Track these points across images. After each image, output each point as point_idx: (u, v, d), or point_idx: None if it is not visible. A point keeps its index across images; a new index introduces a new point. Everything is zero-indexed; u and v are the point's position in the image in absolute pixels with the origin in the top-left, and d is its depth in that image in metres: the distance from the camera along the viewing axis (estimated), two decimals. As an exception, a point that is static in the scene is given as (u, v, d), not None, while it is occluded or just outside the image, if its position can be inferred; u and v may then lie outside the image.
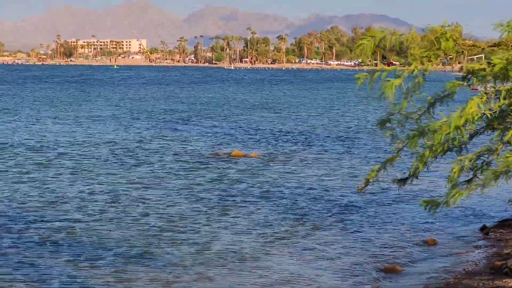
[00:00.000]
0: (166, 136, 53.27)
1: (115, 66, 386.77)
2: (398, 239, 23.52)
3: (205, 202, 28.70)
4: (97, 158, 40.95)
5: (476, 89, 13.75)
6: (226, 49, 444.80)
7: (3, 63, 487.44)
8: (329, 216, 26.58)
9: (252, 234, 23.70)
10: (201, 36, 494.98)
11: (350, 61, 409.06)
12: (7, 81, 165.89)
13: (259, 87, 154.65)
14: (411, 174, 14.39)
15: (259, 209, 27.64)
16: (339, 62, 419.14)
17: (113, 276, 19.00)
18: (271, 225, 25.08)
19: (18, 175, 34.72)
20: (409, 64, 13.49)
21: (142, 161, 40.08)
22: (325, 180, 34.46)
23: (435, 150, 13.32)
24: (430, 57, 13.48)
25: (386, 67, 13.58)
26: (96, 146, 46.75)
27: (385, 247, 22.48)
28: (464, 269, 19.60)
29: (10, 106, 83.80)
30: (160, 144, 48.42)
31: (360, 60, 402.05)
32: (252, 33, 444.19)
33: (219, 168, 37.64)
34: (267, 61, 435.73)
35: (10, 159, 40.08)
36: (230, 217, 26.19)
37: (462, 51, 13.73)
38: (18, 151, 43.33)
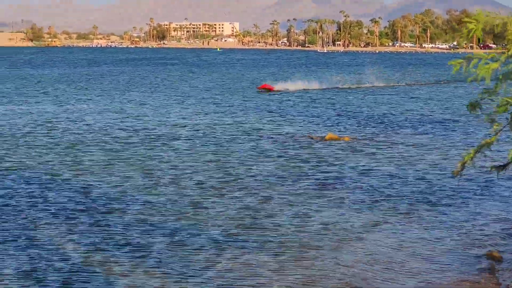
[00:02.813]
0: (262, 119, 53.61)
1: (218, 49, 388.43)
2: (494, 227, 23.18)
3: (300, 185, 28.84)
4: (192, 140, 41.60)
5: None
6: (318, 32, 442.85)
7: (97, 45, 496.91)
8: (423, 200, 26.40)
9: (345, 217, 23.74)
10: (294, 19, 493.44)
11: (445, 44, 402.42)
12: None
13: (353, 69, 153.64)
14: (510, 160, 14.11)
15: (352, 192, 27.64)
16: (433, 45, 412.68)
17: (214, 257, 19.31)
18: (365, 208, 25.09)
19: (118, 155, 35.62)
20: (506, 48, 13.23)
21: (236, 142, 40.51)
22: (418, 164, 34.18)
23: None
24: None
25: (481, 52, 13.36)
26: (195, 127, 47.53)
27: (481, 234, 22.19)
28: None
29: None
30: (254, 126, 48.78)
31: (455, 43, 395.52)
32: (345, 16, 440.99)
33: (313, 151, 37.72)
34: (360, 44, 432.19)
35: (119, 141, 41.13)
36: (325, 199, 26.27)
37: None
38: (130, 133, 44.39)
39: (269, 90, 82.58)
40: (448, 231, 22.30)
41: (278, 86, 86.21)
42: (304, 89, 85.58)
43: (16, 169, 31.73)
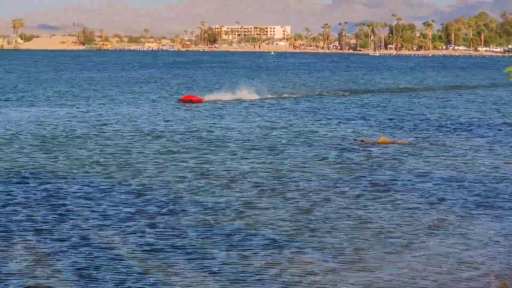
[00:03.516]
0: (314, 122, 53.47)
1: (272, 53, 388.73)
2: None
3: (355, 188, 28.63)
4: (246, 142, 41.59)
5: None
6: (370, 35, 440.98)
7: (149, 49, 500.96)
8: (480, 205, 25.98)
9: (401, 220, 23.46)
10: (345, 22, 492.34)
11: (500, 47, 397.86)
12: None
13: (408, 72, 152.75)
14: None
15: (408, 196, 27.34)
16: (487, 49, 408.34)
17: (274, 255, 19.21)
18: (421, 211, 24.77)
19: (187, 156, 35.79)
20: None
21: (290, 145, 40.40)
22: (475, 168, 33.71)
23: None
24: None
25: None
26: (250, 130, 47.57)
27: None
28: None
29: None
30: (307, 129, 48.66)
31: (510, 46, 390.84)
32: (398, 19, 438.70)
33: (366, 155, 37.45)
34: (412, 48, 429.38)
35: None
36: (380, 203, 26.03)
37: None
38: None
39: (195, 101, 70.46)
40: (504, 237, 21.89)
41: (209, 96, 74.35)
42: (236, 99, 73.74)
43: (70, 171, 31.97)
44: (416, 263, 19.03)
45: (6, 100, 72.27)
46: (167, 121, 53.25)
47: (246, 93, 76.58)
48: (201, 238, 21.05)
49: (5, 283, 17.01)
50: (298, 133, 46.59)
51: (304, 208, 25.06)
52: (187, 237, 21.16)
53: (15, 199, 26.02)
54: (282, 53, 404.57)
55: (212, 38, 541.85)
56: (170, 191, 27.67)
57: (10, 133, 45.13)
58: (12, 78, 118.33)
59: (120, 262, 18.72)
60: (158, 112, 60.48)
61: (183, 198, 26.46)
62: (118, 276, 17.69)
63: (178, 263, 18.70)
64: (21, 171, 31.73)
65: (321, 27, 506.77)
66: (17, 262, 18.55)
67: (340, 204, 25.70)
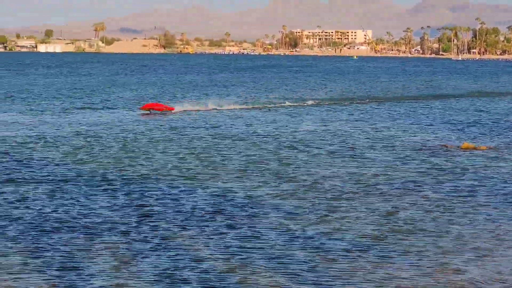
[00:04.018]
0: (397, 126, 53.03)
1: (355, 57, 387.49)
2: None
3: (438, 192, 28.27)
4: (329, 146, 41.45)
5: None
6: (453, 40, 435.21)
7: (230, 52, 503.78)
8: None
9: (486, 226, 23.07)
10: (428, 26, 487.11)
11: None
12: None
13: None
14: None
15: (491, 202, 26.89)
16: None
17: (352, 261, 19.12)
18: (504, 219, 24.31)
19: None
20: None
21: (372, 149, 40.10)
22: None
23: None
24: None
25: None
26: (333, 133, 47.44)
27: None
28: None
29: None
30: (390, 133, 48.29)
31: None
32: (481, 23, 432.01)
33: (450, 160, 36.95)
34: (496, 52, 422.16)
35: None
36: (463, 208, 25.63)
37: None
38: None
39: (160, 110, 63.31)
40: None
41: (178, 107, 66.40)
42: (201, 110, 66.18)
43: (153, 174, 32.32)
44: (503, 268, 18.69)
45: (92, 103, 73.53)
46: (248, 125, 53.34)
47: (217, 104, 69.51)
48: (282, 241, 21.01)
49: (89, 282, 17.26)
50: (380, 137, 46.19)
51: (387, 212, 24.84)
52: (268, 239, 21.15)
53: (100, 201, 26.39)
54: (364, 57, 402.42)
55: (293, 42, 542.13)
56: (251, 194, 27.71)
57: (95, 135, 45.91)
58: (119, 80, 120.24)
59: (202, 263, 18.82)
60: (237, 116, 60.72)
61: (264, 201, 26.48)
62: (201, 275, 17.79)
63: (260, 265, 18.69)
64: (105, 173, 32.20)
65: (403, 31, 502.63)
66: (102, 262, 18.79)
67: (424, 208, 25.43)
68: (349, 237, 21.49)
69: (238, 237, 21.40)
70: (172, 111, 63.52)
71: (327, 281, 17.67)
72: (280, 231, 22.15)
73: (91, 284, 17.20)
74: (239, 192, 28.10)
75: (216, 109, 66.77)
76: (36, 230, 22.01)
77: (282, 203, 26.16)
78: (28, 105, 69.60)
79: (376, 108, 70.23)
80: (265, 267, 18.59)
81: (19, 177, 30.74)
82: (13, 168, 32.90)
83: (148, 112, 62.36)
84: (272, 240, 21.09)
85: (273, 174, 32.06)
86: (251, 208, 25.36)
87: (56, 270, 18.19)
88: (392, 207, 25.69)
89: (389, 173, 32.84)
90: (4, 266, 18.41)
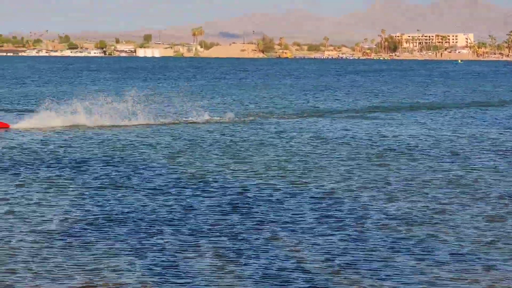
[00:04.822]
0: (498, 129, 52.08)
1: (459, 61, 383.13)
2: None
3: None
4: (430, 151, 40.91)
5: None
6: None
7: (328, 57, 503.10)
8: None
9: None
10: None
11: None
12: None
13: None
14: None
15: None
16: None
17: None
18: None
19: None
20: None
21: (474, 156, 39.40)
22: None
23: None
24: None
25: None
26: (435, 139, 46.88)
27: None
28: None
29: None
30: (491, 136, 47.43)
31: None
32: None
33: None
34: None
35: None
36: None
37: None
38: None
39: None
40: None
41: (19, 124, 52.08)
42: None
43: (255, 176, 32.49)
44: None
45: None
46: (346, 129, 53.07)
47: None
48: (385, 244, 20.79)
49: (191, 285, 17.37)
50: (482, 143, 45.25)
51: (495, 217, 24.31)
52: (372, 243, 20.96)
53: (202, 203, 26.59)
54: (466, 61, 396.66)
55: (393, 46, 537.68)
56: (354, 197, 27.55)
57: (192, 140, 46.48)
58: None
59: (307, 265, 18.78)
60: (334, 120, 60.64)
61: (367, 204, 26.27)
62: (306, 276, 17.75)
63: (362, 267, 18.55)
64: (205, 176, 32.47)
65: (506, 34, 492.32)
66: (203, 265, 18.90)
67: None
68: (453, 243, 21.07)
69: (343, 239, 21.27)
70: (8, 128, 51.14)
71: (433, 284, 17.36)
72: (384, 235, 21.91)
73: (193, 285, 17.30)
74: (342, 195, 27.95)
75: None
76: (142, 231, 22.31)
77: (385, 206, 25.91)
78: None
79: (482, 114, 69.01)
80: (369, 269, 18.41)
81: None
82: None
83: None
84: (376, 244, 20.87)
85: (374, 178, 31.74)
86: (355, 211, 25.20)
87: (162, 269, 18.40)
88: (501, 212, 25.12)
89: (495, 177, 32.19)
90: (111, 266, 18.73)
